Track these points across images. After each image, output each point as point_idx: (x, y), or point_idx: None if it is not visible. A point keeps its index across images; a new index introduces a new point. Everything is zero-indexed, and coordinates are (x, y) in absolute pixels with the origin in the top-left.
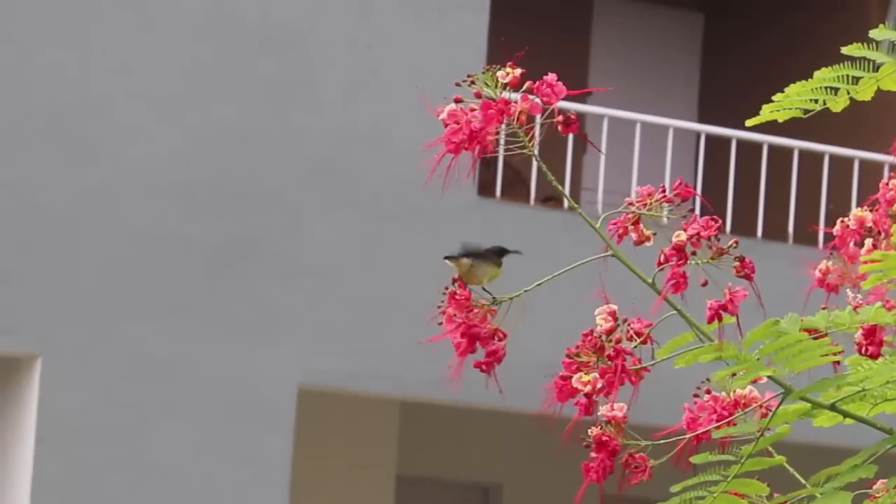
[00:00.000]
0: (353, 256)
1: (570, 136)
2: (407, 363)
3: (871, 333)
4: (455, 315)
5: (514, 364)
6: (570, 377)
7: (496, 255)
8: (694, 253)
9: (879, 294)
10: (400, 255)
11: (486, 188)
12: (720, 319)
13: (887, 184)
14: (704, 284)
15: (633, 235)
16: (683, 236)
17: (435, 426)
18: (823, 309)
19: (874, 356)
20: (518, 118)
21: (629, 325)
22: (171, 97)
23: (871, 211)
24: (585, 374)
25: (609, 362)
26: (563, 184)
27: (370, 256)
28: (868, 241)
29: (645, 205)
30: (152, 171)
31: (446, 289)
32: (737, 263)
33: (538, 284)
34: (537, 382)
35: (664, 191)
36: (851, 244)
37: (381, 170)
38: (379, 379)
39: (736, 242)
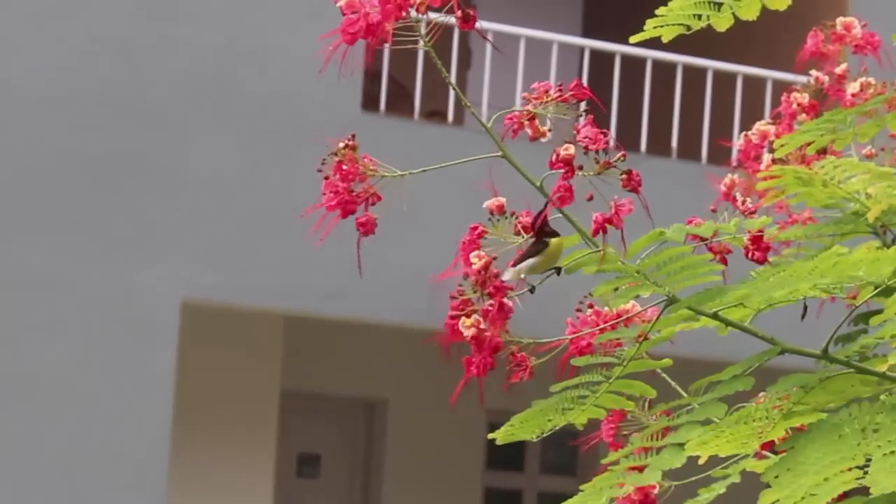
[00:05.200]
0: (236, 171)
1: (455, 52)
2: (291, 278)
3: (758, 239)
4: (337, 186)
5: (398, 277)
6: (458, 317)
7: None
8: (581, 167)
9: (782, 208)
10: (284, 169)
11: (370, 103)
12: (605, 232)
13: (789, 97)
14: (590, 199)
15: (529, 131)
16: (571, 150)
17: (319, 341)
18: (713, 211)
19: (760, 261)
20: (418, 9)
21: (517, 217)
22: (54, 11)
23: (774, 125)
24: (467, 318)
25: (490, 298)
26: (446, 99)
27: (254, 171)
28: (766, 157)
29: (540, 100)
30: (35, 86)
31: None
32: (623, 176)
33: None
34: (423, 296)
35: (561, 89)
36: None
37: (265, 84)
38: (263, 293)
39: (624, 156)
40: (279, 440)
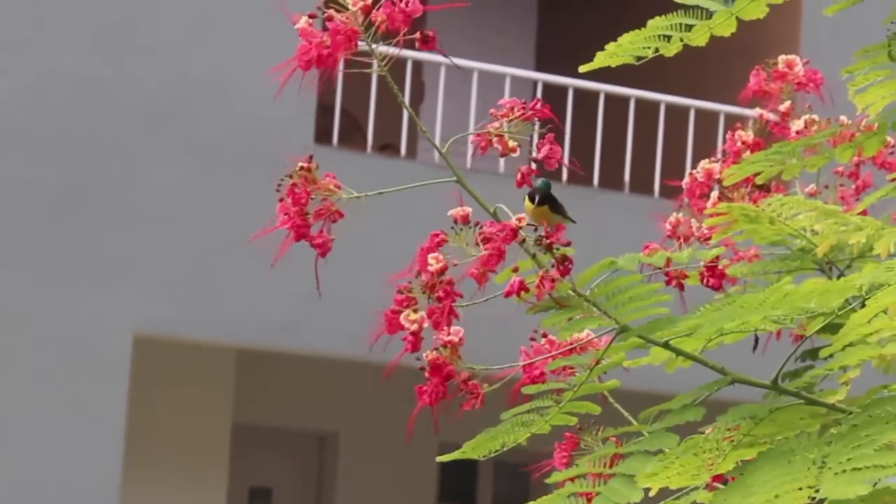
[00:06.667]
0: (189, 204)
1: (408, 85)
2: (243, 311)
3: (713, 267)
4: (290, 208)
5: (351, 311)
6: (400, 311)
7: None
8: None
9: (728, 245)
10: (237, 202)
11: (323, 136)
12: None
13: (734, 135)
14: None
15: (499, 147)
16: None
17: (271, 374)
18: (667, 238)
19: (716, 288)
20: (378, 27)
21: (481, 228)
22: (7, 43)
23: (719, 162)
24: (413, 311)
25: (438, 302)
26: (400, 131)
27: (207, 204)
28: (714, 194)
29: (507, 117)
30: None
31: (279, 188)
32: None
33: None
34: (374, 329)
35: (524, 107)
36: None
37: (219, 117)
38: (215, 326)
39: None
40: (231, 474)
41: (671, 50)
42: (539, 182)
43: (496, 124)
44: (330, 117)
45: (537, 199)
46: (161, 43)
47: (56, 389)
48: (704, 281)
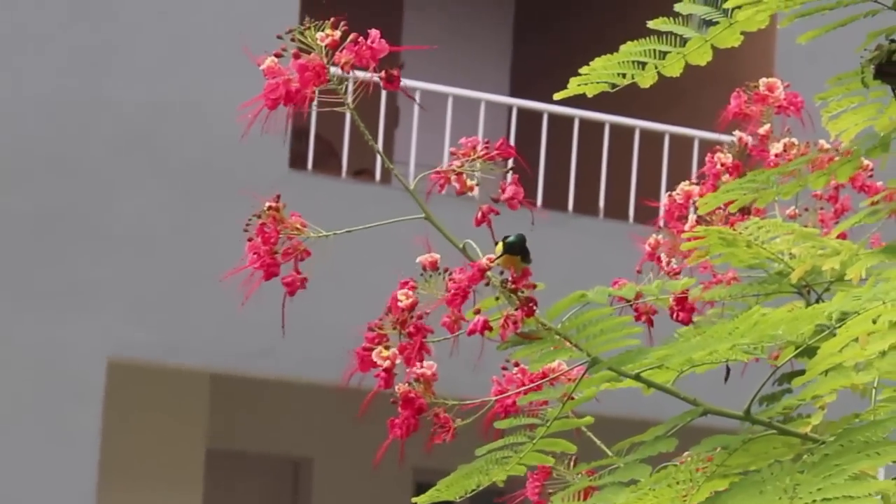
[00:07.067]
0: (162, 228)
1: (382, 111)
2: (217, 336)
3: (683, 300)
4: (260, 247)
5: (325, 337)
6: (372, 349)
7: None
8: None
9: (706, 268)
10: (211, 227)
11: (297, 161)
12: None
13: (713, 158)
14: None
15: (456, 185)
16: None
17: (245, 400)
18: (638, 273)
19: (685, 322)
20: (343, 68)
21: (450, 274)
22: None
23: (698, 185)
24: (385, 348)
25: (409, 338)
26: (374, 157)
27: (180, 228)
28: (691, 217)
29: (468, 156)
30: None
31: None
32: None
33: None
34: (349, 356)
35: (487, 146)
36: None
37: (192, 141)
38: (189, 352)
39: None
40: (205, 499)
41: (646, 80)
42: (515, 237)
43: (457, 163)
44: (305, 142)
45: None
46: (136, 66)
47: (30, 414)
48: (674, 315)
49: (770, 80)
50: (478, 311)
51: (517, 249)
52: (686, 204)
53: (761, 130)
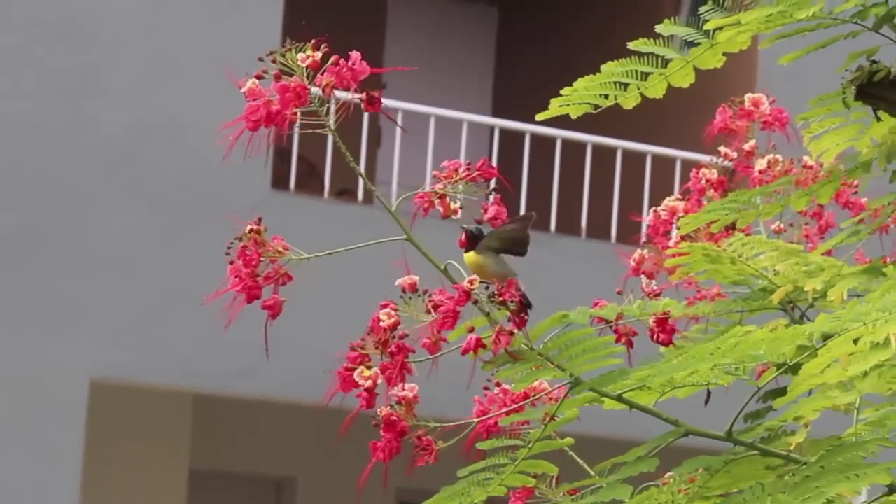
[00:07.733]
0: (144, 248)
1: (365, 130)
2: (200, 357)
3: (663, 322)
4: (241, 270)
5: (307, 357)
6: (354, 369)
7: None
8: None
9: (691, 284)
10: (193, 247)
11: (280, 181)
12: (476, 352)
13: (698, 174)
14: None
15: (440, 208)
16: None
17: (228, 420)
18: (619, 294)
19: (666, 343)
20: (324, 90)
21: (429, 296)
22: None
23: (683, 201)
24: (367, 368)
25: (390, 358)
26: (356, 178)
27: (162, 248)
28: (675, 233)
29: (450, 179)
30: None
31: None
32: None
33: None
34: (331, 376)
35: (469, 167)
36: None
37: (174, 162)
38: (172, 372)
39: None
40: None
41: (629, 101)
42: (472, 228)
43: (440, 186)
44: (287, 163)
45: (467, 245)
46: (118, 87)
47: (12, 435)
48: (654, 337)
49: (756, 95)
50: (471, 330)
51: (472, 239)
52: (671, 220)
53: (746, 146)
